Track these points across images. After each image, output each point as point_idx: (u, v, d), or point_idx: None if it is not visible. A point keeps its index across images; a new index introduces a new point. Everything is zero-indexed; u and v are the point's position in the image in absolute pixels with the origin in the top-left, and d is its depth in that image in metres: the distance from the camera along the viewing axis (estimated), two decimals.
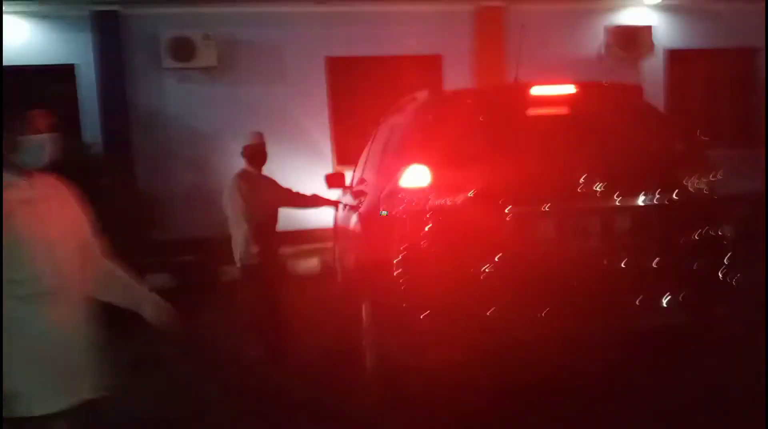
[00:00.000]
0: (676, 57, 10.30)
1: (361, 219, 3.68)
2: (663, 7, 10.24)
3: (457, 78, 9.70)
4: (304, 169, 9.30)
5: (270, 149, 8.85)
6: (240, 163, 4.71)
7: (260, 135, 4.87)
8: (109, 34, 8.55)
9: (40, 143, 2.04)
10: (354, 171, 5.80)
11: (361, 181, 4.69)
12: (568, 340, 2.89)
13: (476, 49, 9.69)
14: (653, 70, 10.13)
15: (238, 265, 4.68)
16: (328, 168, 9.50)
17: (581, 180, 2.91)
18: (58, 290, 2.01)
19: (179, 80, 8.89)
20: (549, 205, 2.94)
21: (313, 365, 4.42)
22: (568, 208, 2.95)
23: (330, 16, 9.25)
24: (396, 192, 3.06)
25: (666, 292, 2.97)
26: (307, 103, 9.35)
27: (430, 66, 9.77)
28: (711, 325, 3.01)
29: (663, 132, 3.36)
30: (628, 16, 10.09)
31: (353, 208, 4.24)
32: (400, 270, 2.96)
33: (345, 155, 9.56)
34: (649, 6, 10.20)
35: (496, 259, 2.91)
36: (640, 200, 2.99)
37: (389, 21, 9.37)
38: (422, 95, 3.57)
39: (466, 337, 2.86)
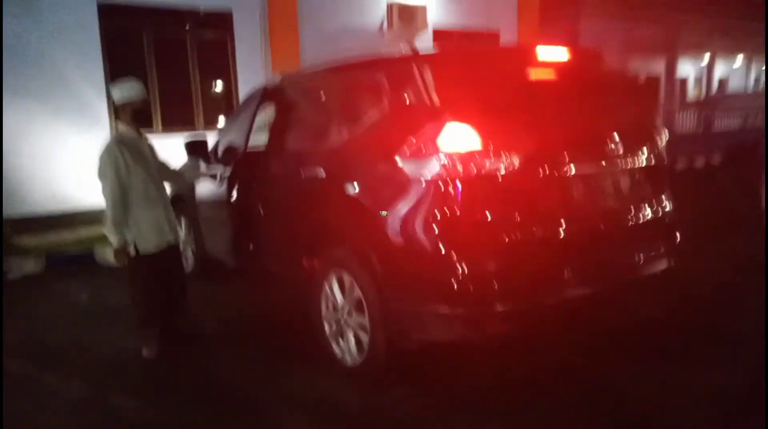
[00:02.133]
0: (440, 35, 11.26)
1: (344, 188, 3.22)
2: None
3: (247, 37, 9.09)
4: (75, 136, 7.75)
5: (31, 111, 7.22)
6: None
7: (142, 86, 3.85)
8: None
9: None
10: (221, 137, 5.04)
11: (274, 148, 4.15)
12: (608, 294, 3.08)
13: (269, 7, 9.17)
14: (424, 44, 10.93)
15: (128, 251, 3.72)
16: (105, 133, 8.06)
17: (608, 140, 3.06)
18: None
19: None
20: (589, 165, 3.02)
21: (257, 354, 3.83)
22: (601, 167, 3.08)
23: None
24: (431, 155, 2.77)
25: (659, 243, 3.37)
26: (76, 53, 7.71)
27: (219, 22, 8.92)
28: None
29: (632, 97, 3.72)
30: None
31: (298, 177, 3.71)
32: (450, 241, 2.72)
33: None
34: None
35: (548, 224, 2.88)
36: (641, 159, 3.27)
37: None
38: (406, 50, 3.26)
39: (530, 306, 2.80)
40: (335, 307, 3.48)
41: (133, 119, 3.76)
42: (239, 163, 4.49)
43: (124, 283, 5.26)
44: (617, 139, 3.11)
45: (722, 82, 32.10)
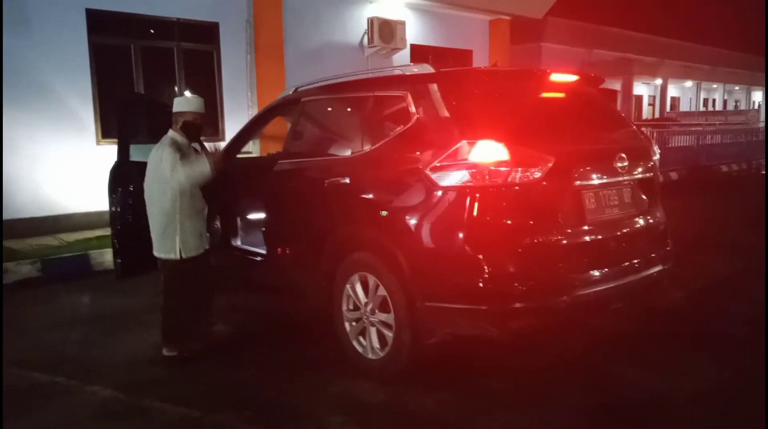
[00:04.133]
0: (417, 51, 11.65)
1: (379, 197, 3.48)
2: (411, 6, 11.45)
3: (233, 49, 9.25)
4: (61, 145, 7.80)
5: (16, 119, 7.22)
6: None
7: (200, 102, 4.04)
8: None
9: None
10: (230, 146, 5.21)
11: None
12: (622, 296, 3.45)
13: (255, 20, 9.36)
14: (402, 61, 11.29)
15: (173, 257, 3.86)
16: (91, 142, 8.10)
17: (616, 156, 3.41)
18: None
19: None
20: (599, 177, 3.37)
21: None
22: (609, 179, 3.43)
23: None
24: (460, 166, 3.06)
25: (662, 244, 3.75)
26: (63, 63, 7.74)
27: (206, 33, 9.07)
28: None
29: (621, 115, 4.10)
30: (386, 10, 10.98)
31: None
32: (476, 246, 2.99)
33: (112, 129, 8.24)
34: (403, 3, 11.28)
35: (562, 229, 3.20)
36: (640, 172, 3.63)
37: None
38: (424, 68, 3.53)
39: (546, 303, 3.09)
40: (357, 307, 3.71)
41: (183, 129, 3.94)
42: (246, 171, 4.68)
43: (123, 287, 5.44)
44: (623, 154, 3.46)
45: (674, 102, 33.63)
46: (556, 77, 3.59)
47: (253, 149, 8.57)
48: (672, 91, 32.41)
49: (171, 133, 3.93)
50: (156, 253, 3.94)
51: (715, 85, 36.62)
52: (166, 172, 3.73)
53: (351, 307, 3.77)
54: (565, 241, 3.21)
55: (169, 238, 3.86)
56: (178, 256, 3.86)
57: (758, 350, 3.88)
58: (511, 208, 3.09)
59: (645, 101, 31.93)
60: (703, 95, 35.88)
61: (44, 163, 7.67)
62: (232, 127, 8.61)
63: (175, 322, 3.97)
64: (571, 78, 3.66)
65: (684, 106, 34.25)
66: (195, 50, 9.04)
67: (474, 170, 3.06)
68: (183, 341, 3.98)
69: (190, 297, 3.99)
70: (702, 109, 34.13)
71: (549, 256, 3.15)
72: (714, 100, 38.12)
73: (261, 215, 4.65)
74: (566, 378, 3.56)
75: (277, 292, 4.87)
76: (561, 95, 3.71)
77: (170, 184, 3.77)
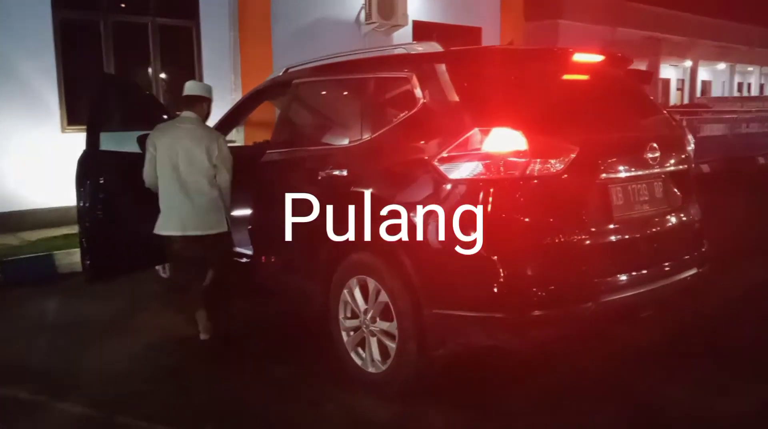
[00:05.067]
0: (420, 28, 11.63)
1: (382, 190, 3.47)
2: None
3: (215, 24, 9.23)
4: (23, 133, 7.78)
5: None
6: None
7: (210, 88, 4.59)
8: None
9: None
10: None
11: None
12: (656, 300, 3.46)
13: (240, 9, 9.36)
14: (404, 39, 11.27)
15: (223, 229, 4.36)
16: (56, 129, 8.08)
17: (649, 144, 3.41)
18: None
19: None
20: (628, 170, 3.37)
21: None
22: (639, 172, 3.43)
23: None
24: (472, 157, 3.04)
25: (697, 245, 3.75)
26: (24, 40, 7.72)
27: (184, 6, 9.08)
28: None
29: (652, 101, 4.10)
30: None
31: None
32: (491, 246, 2.98)
33: (79, 114, 8.22)
34: None
35: (593, 229, 3.20)
36: (673, 164, 3.64)
37: None
38: (431, 47, 3.53)
39: (569, 311, 3.08)
40: (355, 314, 3.70)
41: (206, 115, 4.45)
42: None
43: (93, 292, 5.40)
44: (655, 144, 3.46)
45: (705, 86, 33.64)
46: (580, 57, 3.56)
47: (236, 138, 8.60)
48: (703, 74, 32.43)
49: (195, 115, 4.32)
50: (201, 232, 4.23)
51: (750, 68, 36.63)
52: (226, 160, 4.26)
53: (348, 314, 3.75)
54: (589, 241, 3.20)
55: (217, 212, 4.28)
56: (227, 229, 4.34)
57: None
58: (529, 203, 3.07)
59: (673, 85, 31.96)
60: (737, 79, 35.90)
61: (3, 154, 7.65)
62: (214, 113, 8.55)
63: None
64: (597, 58, 3.64)
65: (716, 91, 34.30)
66: (172, 26, 9.03)
67: (488, 161, 3.04)
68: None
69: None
70: (736, 94, 34.14)
71: (571, 258, 3.14)
72: (749, 85, 38.14)
73: (246, 212, 4.65)
74: (591, 396, 3.54)
75: (266, 298, 4.87)
76: (585, 78, 3.70)
77: (213, 166, 4.21)
